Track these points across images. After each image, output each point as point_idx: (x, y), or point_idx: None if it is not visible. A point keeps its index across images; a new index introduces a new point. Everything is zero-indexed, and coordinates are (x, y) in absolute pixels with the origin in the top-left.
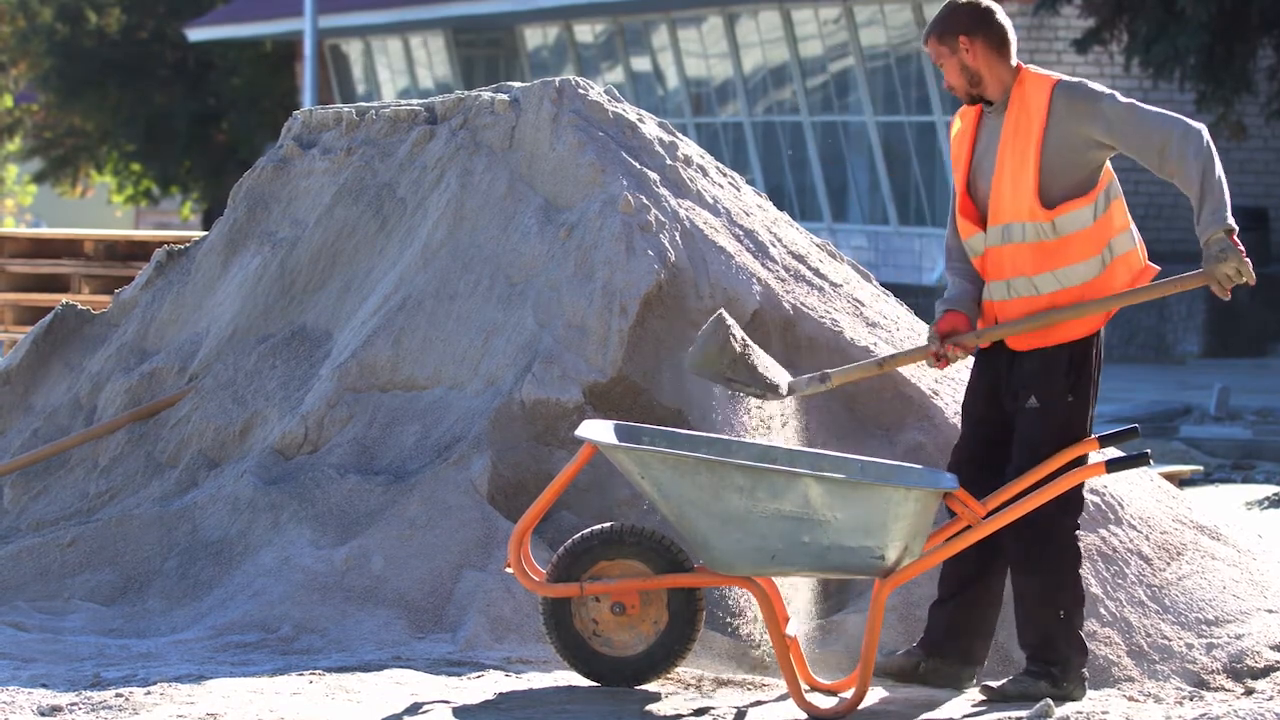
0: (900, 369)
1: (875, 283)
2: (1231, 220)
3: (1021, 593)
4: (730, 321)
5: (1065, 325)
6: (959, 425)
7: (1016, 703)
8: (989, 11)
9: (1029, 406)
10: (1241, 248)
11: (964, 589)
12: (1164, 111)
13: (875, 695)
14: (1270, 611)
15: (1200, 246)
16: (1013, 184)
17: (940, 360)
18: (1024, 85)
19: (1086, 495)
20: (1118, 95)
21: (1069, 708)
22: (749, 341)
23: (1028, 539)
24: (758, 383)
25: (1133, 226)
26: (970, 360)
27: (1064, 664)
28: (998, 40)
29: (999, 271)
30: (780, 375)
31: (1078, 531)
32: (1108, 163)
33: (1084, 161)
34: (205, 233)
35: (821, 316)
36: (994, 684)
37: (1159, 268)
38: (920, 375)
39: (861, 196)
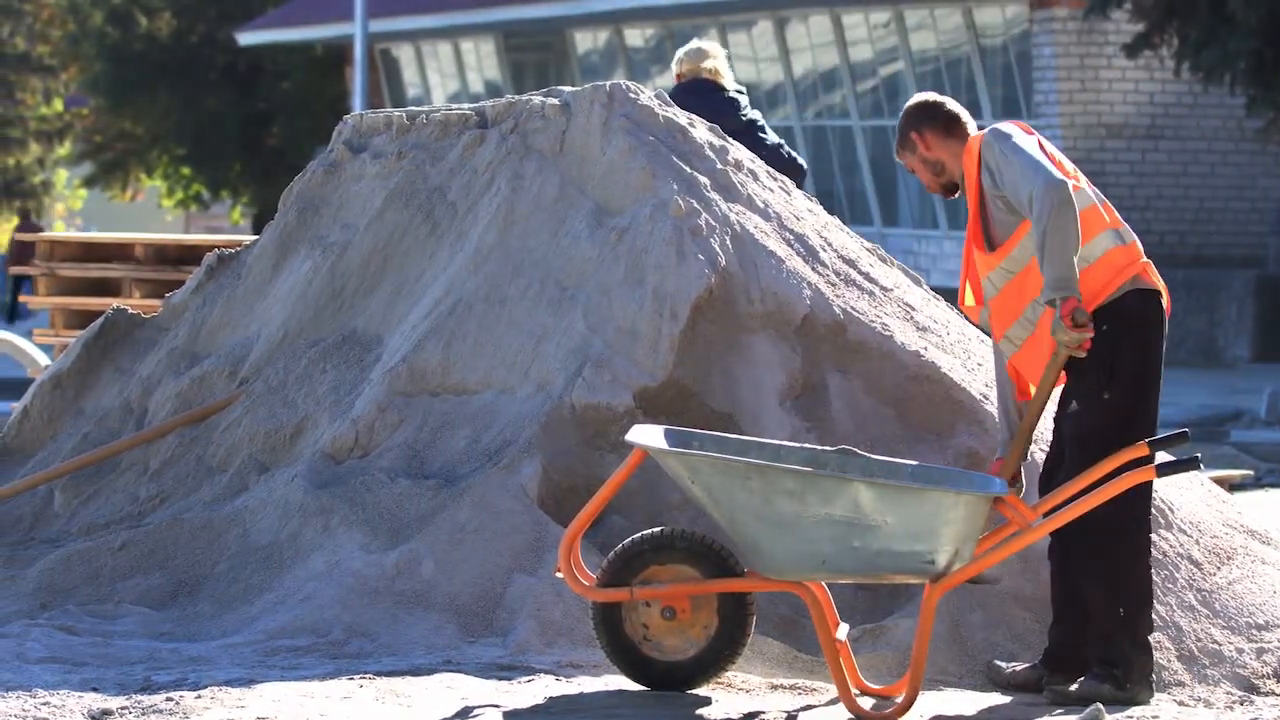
0: (949, 372)
1: (926, 287)
2: (1063, 289)
3: (1085, 595)
4: None
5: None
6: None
7: (1078, 706)
8: (929, 103)
9: (1071, 410)
10: (1067, 317)
11: (1070, 605)
12: (1033, 163)
13: (925, 699)
14: None
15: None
16: (977, 249)
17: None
18: (967, 153)
19: None
20: (1010, 140)
21: (1122, 710)
22: None
23: (1090, 543)
24: None
25: (1121, 229)
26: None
27: (1126, 667)
28: (945, 125)
29: (999, 330)
30: None
31: (1145, 533)
32: (1064, 170)
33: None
34: (255, 237)
35: (872, 321)
36: (1060, 687)
37: (1148, 261)
38: (971, 380)
39: (912, 200)
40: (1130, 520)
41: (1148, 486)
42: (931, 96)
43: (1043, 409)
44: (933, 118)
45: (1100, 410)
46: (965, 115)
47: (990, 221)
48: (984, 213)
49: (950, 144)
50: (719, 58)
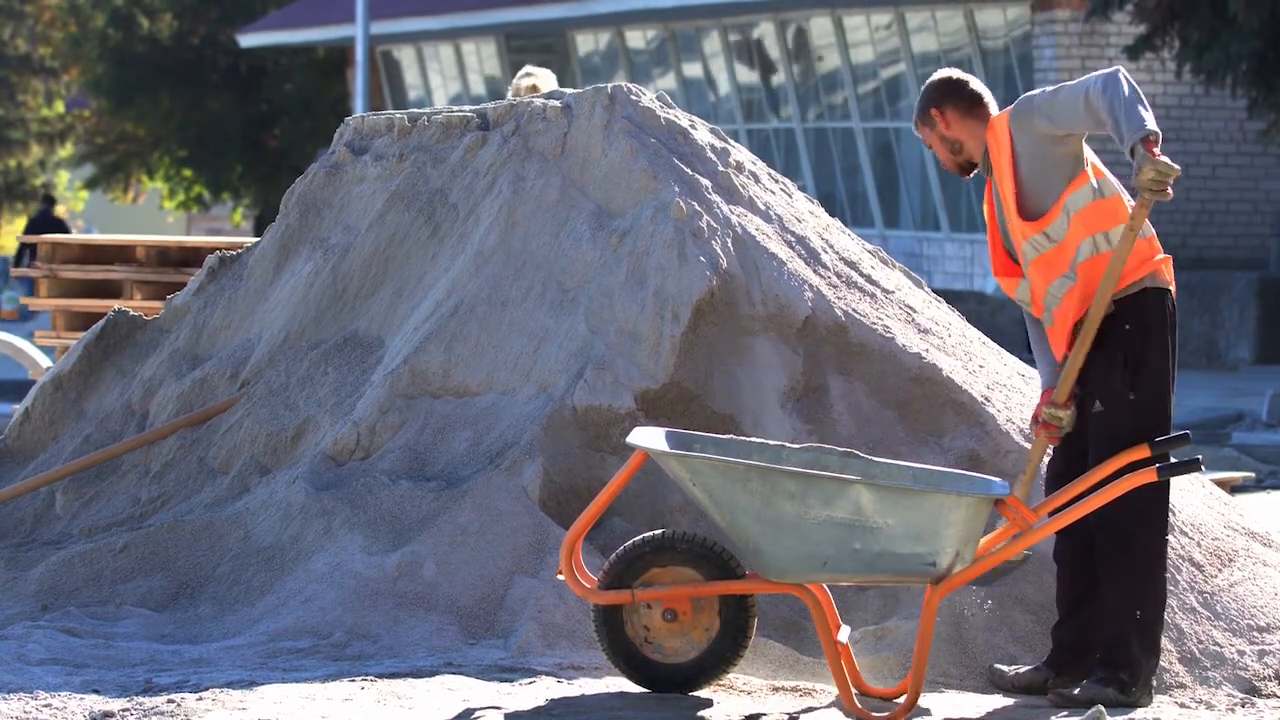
0: (951, 375)
1: (927, 289)
2: (1147, 127)
3: (1104, 595)
4: None
5: (1095, 316)
6: (1011, 432)
7: (1082, 708)
8: (953, 81)
9: (1095, 411)
10: (1157, 153)
11: (1079, 608)
12: (1078, 82)
13: (926, 701)
14: None
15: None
16: (1018, 219)
17: (1051, 435)
18: (992, 129)
19: None
20: (1048, 88)
21: (1124, 713)
22: None
23: (1111, 549)
24: None
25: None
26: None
27: (1133, 670)
28: (967, 104)
29: (1042, 285)
30: None
31: (1164, 540)
32: (1096, 163)
33: (1054, 161)
34: (257, 239)
35: (873, 323)
36: (1065, 690)
37: (1169, 256)
38: (972, 382)
39: (913, 203)
40: (1152, 532)
41: (1164, 492)
42: (956, 74)
43: (1097, 325)
44: (956, 96)
45: (1127, 410)
46: (988, 96)
47: (1027, 193)
48: (1020, 183)
49: (970, 124)
50: (546, 82)
